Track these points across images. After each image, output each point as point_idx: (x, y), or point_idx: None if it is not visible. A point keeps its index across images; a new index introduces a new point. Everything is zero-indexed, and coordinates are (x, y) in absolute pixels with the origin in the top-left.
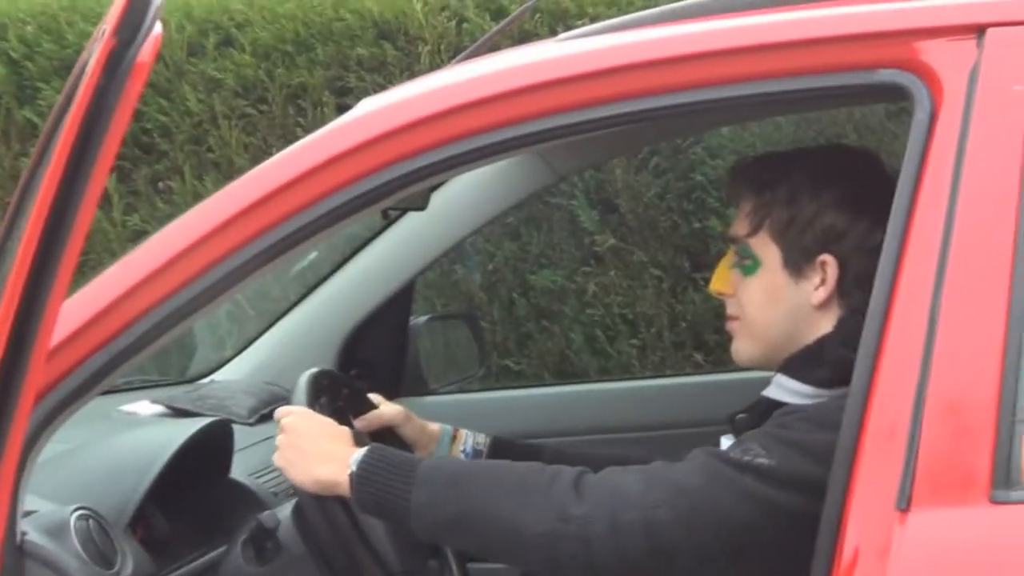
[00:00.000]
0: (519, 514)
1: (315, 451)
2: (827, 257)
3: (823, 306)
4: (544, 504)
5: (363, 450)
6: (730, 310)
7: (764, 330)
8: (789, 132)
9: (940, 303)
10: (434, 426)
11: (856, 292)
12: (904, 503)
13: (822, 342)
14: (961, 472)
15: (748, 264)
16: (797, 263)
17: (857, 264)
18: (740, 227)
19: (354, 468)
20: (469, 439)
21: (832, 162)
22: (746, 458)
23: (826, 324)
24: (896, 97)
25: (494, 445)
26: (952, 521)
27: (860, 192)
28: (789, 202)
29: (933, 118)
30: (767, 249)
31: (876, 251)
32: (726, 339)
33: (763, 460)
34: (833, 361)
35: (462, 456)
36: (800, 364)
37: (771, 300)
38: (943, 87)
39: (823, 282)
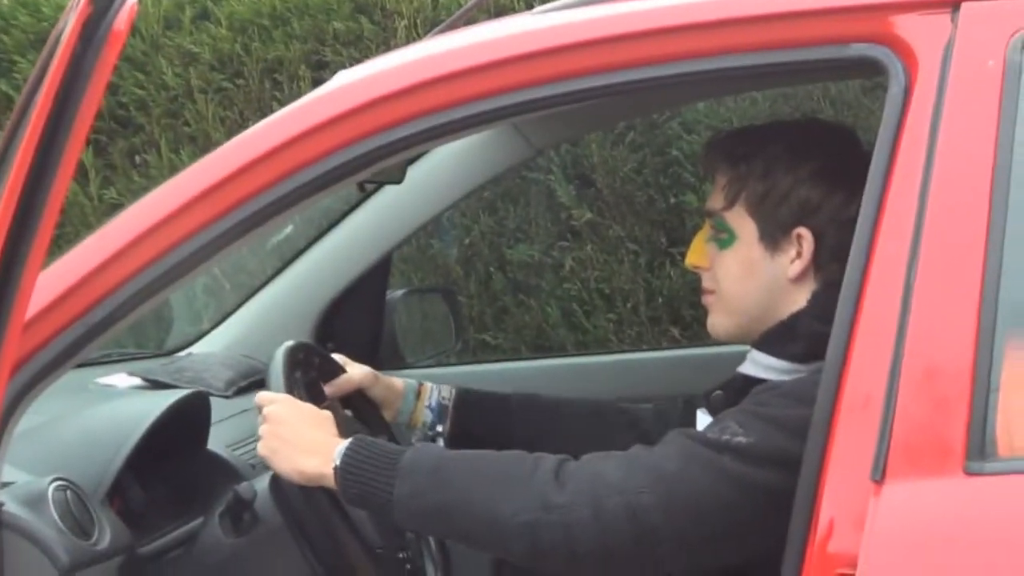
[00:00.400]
0: (501, 504)
1: (299, 441)
2: (803, 230)
3: (799, 279)
4: (526, 493)
5: (346, 443)
6: (706, 284)
7: (740, 304)
8: (765, 108)
9: (915, 275)
10: (399, 382)
11: (832, 265)
12: (879, 475)
13: (796, 317)
14: (936, 443)
15: (724, 238)
16: (773, 236)
17: (833, 237)
18: (716, 201)
19: (337, 462)
20: (434, 392)
21: (807, 136)
22: (724, 437)
23: (802, 298)
24: (870, 71)
25: (460, 397)
26: (927, 492)
27: (835, 165)
28: (764, 175)
29: (907, 92)
30: (743, 222)
31: (852, 223)
32: (702, 314)
33: (741, 438)
34: (808, 335)
35: (427, 411)
36: (775, 339)
37: (747, 273)
38: (918, 61)
39: (799, 255)
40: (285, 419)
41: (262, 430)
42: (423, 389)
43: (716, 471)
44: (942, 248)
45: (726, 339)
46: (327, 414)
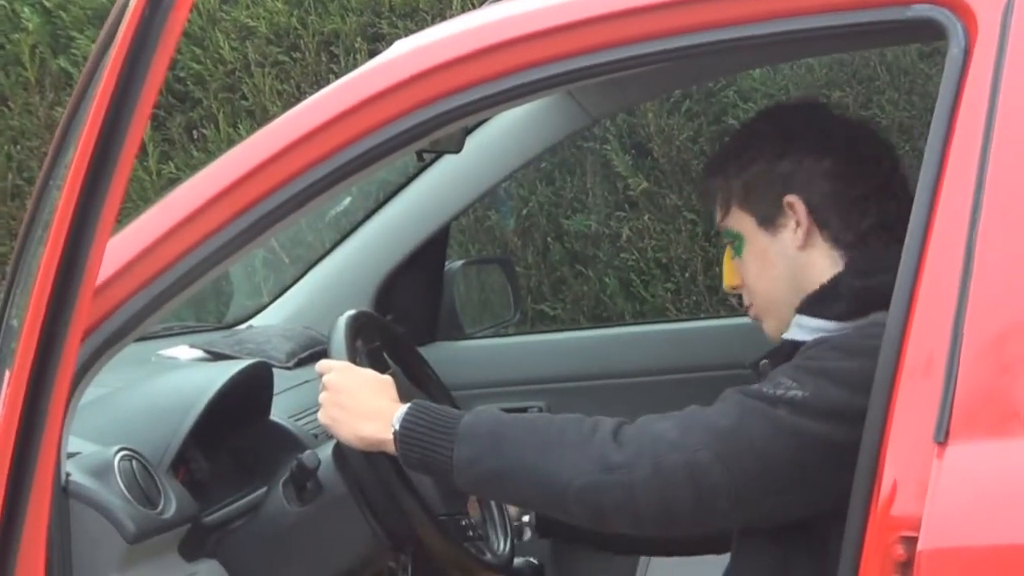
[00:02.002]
0: (561, 467)
1: (359, 408)
2: (790, 198)
3: (807, 245)
4: (585, 455)
5: (404, 408)
6: (745, 300)
7: (773, 298)
8: (821, 76)
9: (976, 235)
10: None
11: (832, 218)
12: (942, 436)
13: (837, 279)
14: (999, 404)
15: (736, 245)
16: (768, 217)
17: (818, 192)
18: (719, 216)
19: (396, 427)
20: None
21: (762, 123)
22: (778, 392)
23: (822, 260)
24: (929, 34)
25: None
26: (990, 453)
27: (791, 130)
28: (740, 172)
29: (967, 53)
30: (741, 220)
31: (830, 174)
32: None
33: (796, 392)
34: (849, 294)
35: None
36: (815, 301)
37: (765, 265)
38: (977, 23)
39: (798, 223)
40: (344, 386)
41: (322, 398)
42: None
43: (772, 425)
44: (1003, 209)
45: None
46: (387, 379)
